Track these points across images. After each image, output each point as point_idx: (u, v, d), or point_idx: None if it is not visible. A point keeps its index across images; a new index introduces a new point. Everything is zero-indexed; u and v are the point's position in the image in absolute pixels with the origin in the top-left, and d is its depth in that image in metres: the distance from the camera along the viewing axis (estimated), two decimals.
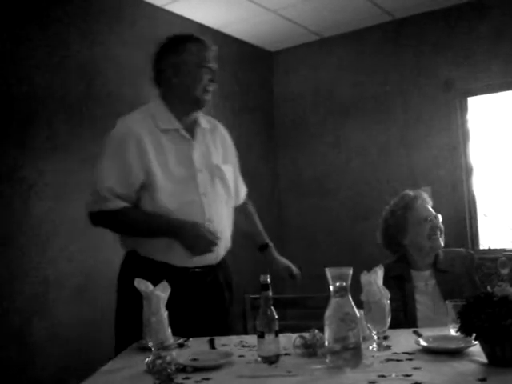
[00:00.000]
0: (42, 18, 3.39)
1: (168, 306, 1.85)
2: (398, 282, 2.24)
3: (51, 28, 3.42)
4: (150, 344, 1.57)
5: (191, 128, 2.15)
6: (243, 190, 2.40)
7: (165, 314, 1.58)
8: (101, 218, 2.07)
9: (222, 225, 2.12)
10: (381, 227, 2.44)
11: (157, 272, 1.89)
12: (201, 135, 2.17)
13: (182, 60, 2.08)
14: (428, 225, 2.32)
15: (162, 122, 2.09)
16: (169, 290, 1.63)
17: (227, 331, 2.06)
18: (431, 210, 2.36)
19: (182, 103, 2.11)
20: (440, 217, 2.36)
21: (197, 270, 2.07)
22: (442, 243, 2.33)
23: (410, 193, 2.42)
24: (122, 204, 2.01)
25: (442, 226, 2.34)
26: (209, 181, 2.11)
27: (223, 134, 2.29)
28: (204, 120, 2.22)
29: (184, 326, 1.93)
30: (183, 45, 2.10)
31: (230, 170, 2.23)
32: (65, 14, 3.50)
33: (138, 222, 2.05)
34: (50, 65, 3.39)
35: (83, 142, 3.53)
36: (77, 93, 3.52)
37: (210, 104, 2.15)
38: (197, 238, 1.99)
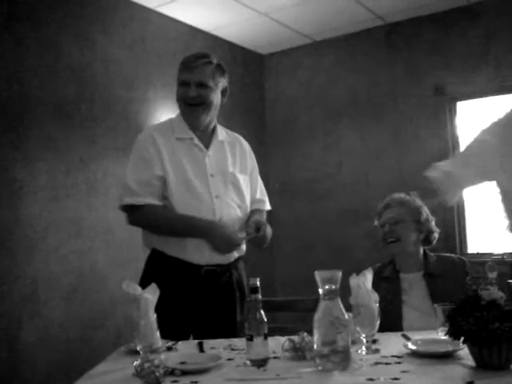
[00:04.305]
0: (35, 19, 3.38)
1: (179, 303, 2.08)
2: (387, 284, 2.25)
3: (43, 29, 3.42)
4: (139, 347, 1.56)
5: (208, 139, 2.30)
6: (265, 205, 2.46)
7: (153, 316, 1.57)
8: (135, 213, 2.19)
9: (233, 226, 2.22)
10: None
11: (173, 269, 2.14)
12: (217, 145, 2.31)
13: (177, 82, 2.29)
14: (381, 231, 2.37)
15: (178, 132, 2.27)
16: (158, 293, 1.62)
17: (236, 331, 2.10)
18: (393, 215, 2.35)
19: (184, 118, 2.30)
20: (410, 224, 2.36)
21: (210, 268, 2.17)
22: (400, 247, 2.32)
23: (393, 197, 2.43)
24: (150, 198, 2.16)
25: (396, 231, 2.33)
26: (222, 185, 2.24)
27: (244, 147, 2.41)
28: (223, 132, 2.37)
29: (192, 323, 2.12)
30: (179, 66, 2.29)
31: (246, 180, 2.35)
32: (57, 15, 3.49)
33: (171, 220, 2.18)
34: (42, 66, 3.39)
35: (76, 144, 3.53)
36: (69, 94, 3.52)
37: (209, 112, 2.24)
38: (223, 237, 2.16)
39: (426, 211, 2.40)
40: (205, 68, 2.21)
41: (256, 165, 2.46)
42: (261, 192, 2.44)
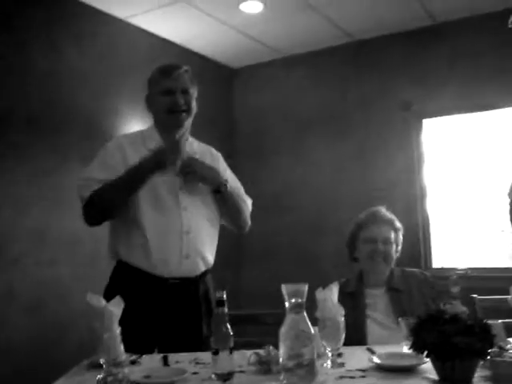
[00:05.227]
0: (2, 26, 3.33)
1: (144, 316, 2.07)
2: (351, 299, 2.26)
3: (12, 37, 3.37)
4: (102, 361, 1.53)
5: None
6: (238, 188, 2.42)
7: (117, 330, 1.54)
8: (90, 206, 2.13)
9: (200, 238, 2.21)
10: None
11: (138, 282, 2.12)
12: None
13: (150, 92, 2.28)
14: (370, 246, 2.36)
15: (150, 143, 2.23)
16: (122, 306, 1.60)
17: (201, 345, 2.07)
18: (384, 233, 2.38)
19: (162, 128, 2.27)
20: (394, 245, 2.39)
21: (176, 281, 2.15)
22: (387, 268, 2.36)
23: (373, 211, 2.45)
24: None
25: (389, 252, 2.36)
26: (191, 196, 2.21)
27: (214, 157, 2.40)
28: (195, 144, 2.36)
29: (157, 337, 2.13)
30: (152, 77, 2.28)
31: None
32: (26, 23, 3.46)
33: (114, 183, 2.10)
34: (8, 73, 3.33)
35: (39, 153, 3.47)
36: (34, 103, 3.47)
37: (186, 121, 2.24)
38: (155, 155, 2.11)
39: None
40: (185, 76, 2.24)
41: (228, 169, 2.44)
42: (233, 182, 2.40)
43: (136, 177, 2.12)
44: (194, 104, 2.25)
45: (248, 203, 2.42)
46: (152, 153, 2.13)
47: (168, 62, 2.32)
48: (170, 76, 2.21)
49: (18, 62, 3.40)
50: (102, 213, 2.16)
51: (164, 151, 2.13)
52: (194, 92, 2.26)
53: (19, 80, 3.39)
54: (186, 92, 2.22)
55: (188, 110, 2.22)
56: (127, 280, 2.16)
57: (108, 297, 1.61)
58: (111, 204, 2.14)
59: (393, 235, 2.39)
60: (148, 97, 2.29)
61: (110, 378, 1.36)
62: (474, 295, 2.71)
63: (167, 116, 2.22)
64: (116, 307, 1.57)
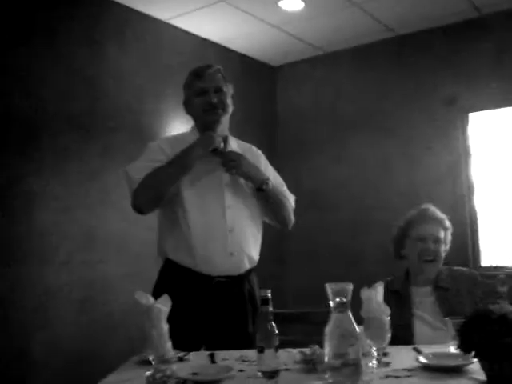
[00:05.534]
0: (48, 31, 3.43)
1: (191, 313, 2.11)
2: (398, 297, 2.24)
3: (57, 42, 3.47)
4: (151, 357, 1.57)
5: None
6: (281, 185, 2.44)
7: (166, 327, 1.58)
8: (141, 188, 2.15)
9: (244, 236, 2.25)
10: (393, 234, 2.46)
11: (185, 280, 2.16)
12: None
13: (186, 95, 2.35)
14: (421, 245, 2.33)
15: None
16: (170, 304, 1.63)
17: (248, 343, 2.07)
18: (435, 233, 2.35)
19: (201, 128, 2.31)
20: (443, 245, 2.36)
21: (221, 279, 2.18)
22: (436, 267, 2.33)
23: (423, 208, 2.42)
24: None
25: (439, 251, 2.33)
26: (234, 195, 2.25)
27: (255, 153, 2.43)
28: (234, 143, 2.39)
29: (204, 334, 2.17)
30: (186, 81, 2.34)
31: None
32: (71, 27, 3.55)
33: (163, 166, 2.16)
34: (57, 79, 3.44)
35: (88, 155, 3.57)
36: (82, 106, 3.57)
37: (224, 120, 2.28)
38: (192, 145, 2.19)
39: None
40: (217, 75, 2.28)
41: (270, 166, 2.46)
42: (275, 179, 2.41)
43: (182, 161, 2.17)
44: (228, 101, 2.29)
45: (291, 200, 2.43)
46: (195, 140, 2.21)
47: (201, 64, 2.35)
48: (201, 77, 2.26)
49: (65, 66, 3.49)
50: (153, 196, 2.18)
51: (206, 136, 2.21)
52: (227, 90, 2.29)
53: (66, 83, 3.49)
54: (219, 90, 2.25)
55: (223, 108, 2.26)
56: (174, 278, 2.20)
57: (156, 295, 1.65)
58: (162, 186, 2.17)
59: (442, 234, 2.36)
60: (185, 100, 2.35)
61: (158, 375, 1.40)
62: None
63: (204, 115, 2.27)
64: (164, 305, 1.61)
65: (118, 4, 3.82)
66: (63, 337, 3.29)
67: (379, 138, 4.65)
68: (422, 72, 4.51)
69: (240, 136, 2.45)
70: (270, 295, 1.59)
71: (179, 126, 3.88)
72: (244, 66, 4.86)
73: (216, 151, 2.21)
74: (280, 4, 3.99)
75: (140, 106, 3.91)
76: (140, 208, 2.20)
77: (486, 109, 4.30)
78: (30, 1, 3.36)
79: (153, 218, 2.31)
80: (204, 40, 4.48)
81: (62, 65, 3.47)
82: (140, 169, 2.18)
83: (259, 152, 2.47)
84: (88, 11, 3.66)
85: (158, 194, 2.18)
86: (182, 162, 2.17)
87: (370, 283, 1.73)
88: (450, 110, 4.34)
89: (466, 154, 4.32)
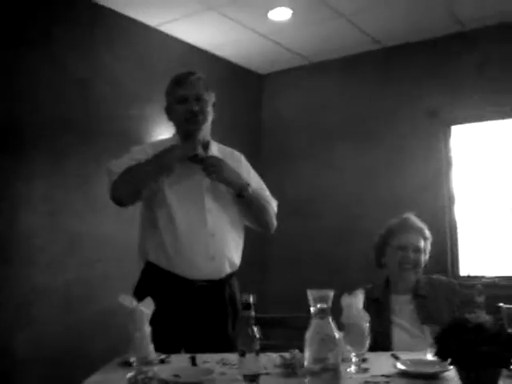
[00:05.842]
0: (41, 37, 3.44)
1: (171, 316, 2.12)
2: (377, 305, 2.28)
3: (49, 47, 3.48)
4: (133, 359, 1.58)
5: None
6: (263, 190, 2.47)
7: (148, 329, 1.59)
8: (115, 190, 2.20)
9: (225, 240, 2.27)
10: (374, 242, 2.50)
11: (165, 283, 2.18)
12: None
13: (167, 102, 2.36)
14: (401, 254, 2.37)
15: None
16: (153, 306, 1.64)
17: (227, 346, 2.10)
18: (415, 242, 2.39)
19: (182, 135, 2.33)
20: (423, 254, 2.40)
21: (202, 284, 2.20)
22: (415, 276, 2.36)
23: (405, 218, 2.46)
24: None
25: (419, 260, 2.37)
26: (215, 200, 2.28)
27: (237, 160, 2.44)
28: (216, 148, 2.40)
29: (184, 337, 2.19)
30: (168, 87, 2.36)
31: None
32: (62, 33, 3.57)
33: (135, 167, 2.20)
34: (48, 83, 3.44)
35: (74, 160, 3.58)
36: (73, 110, 3.57)
37: (204, 127, 2.30)
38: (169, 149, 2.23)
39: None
40: (198, 82, 2.30)
41: (252, 170, 2.48)
42: (258, 183, 2.44)
43: (160, 159, 2.19)
44: (209, 109, 2.30)
45: (273, 204, 2.45)
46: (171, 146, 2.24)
47: (183, 71, 2.37)
48: (183, 84, 2.28)
49: (56, 71, 3.50)
50: (132, 190, 2.21)
51: (189, 142, 2.24)
52: (209, 98, 2.31)
53: (57, 88, 3.49)
54: (199, 99, 2.27)
55: (202, 116, 2.28)
56: (155, 281, 2.22)
57: (137, 296, 1.65)
58: (139, 182, 2.20)
59: (423, 244, 2.40)
60: (167, 107, 2.37)
61: (140, 376, 1.41)
62: (501, 304, 2.69)
63: (185, 124, 2.29)
64: (147, 307, 1.62)
65: (110, 9, 3.82)
66: (46, 337, 3.28)
67: (363, 148, 4.70)
68: (407, 84, 4.58)
69: (225, 142, 2.47)
70: (252, 300, 1.61)
71: (165, 131, 3.87)
72: (231, 73, 4.88)
73: (196, 158, 2.23)
74: (268, 13, 4.03)
75: (128, 111, 3.91)
76: (120, 200, 2.23)
77: (468, 122, 4.37)
78: (24, 6, 3.37)
79: (139, 222, 2.33)
80: (192, 46, 4.50)
81: (52, 70, 3.48)
82: (121, 164, 2.22)
83: (240, 155, 2.49)
84: (79, 16, 3.67)
85: (135, 188, 2.21)
86: (160, 161, 2.20)
87: (350, 290, 1.76)
88: (432, 123, 4.40)
89: (447, 165, 4.38)
